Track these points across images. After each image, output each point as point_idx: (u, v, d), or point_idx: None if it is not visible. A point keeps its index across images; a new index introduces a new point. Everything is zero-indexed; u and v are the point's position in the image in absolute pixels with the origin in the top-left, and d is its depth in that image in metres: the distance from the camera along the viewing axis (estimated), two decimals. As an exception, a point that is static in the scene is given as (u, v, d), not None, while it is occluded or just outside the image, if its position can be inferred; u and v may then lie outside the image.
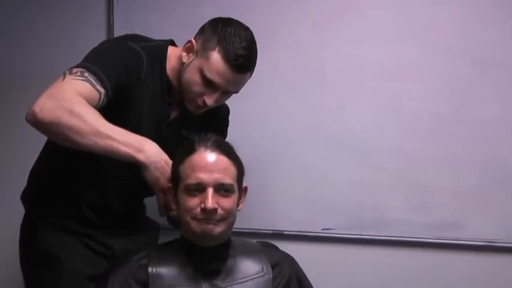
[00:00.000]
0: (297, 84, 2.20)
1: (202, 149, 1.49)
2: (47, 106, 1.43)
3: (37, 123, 1.44)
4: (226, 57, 1.59)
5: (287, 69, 2.20)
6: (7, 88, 2.36)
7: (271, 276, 1.54)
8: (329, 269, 2.17)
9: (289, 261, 1.63)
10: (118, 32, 2.20)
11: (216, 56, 1.59)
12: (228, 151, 1.52)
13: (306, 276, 1.65)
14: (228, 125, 1.95)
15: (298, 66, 2.20)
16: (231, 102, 1.84)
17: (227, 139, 1.78)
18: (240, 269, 1.53)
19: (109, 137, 1.45)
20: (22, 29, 2.40)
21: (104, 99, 1.52)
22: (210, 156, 1.48)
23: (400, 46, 2.14)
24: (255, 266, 1.54)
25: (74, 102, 1.44)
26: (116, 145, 1.46)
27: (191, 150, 1.50)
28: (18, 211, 1.77)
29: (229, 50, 1.58)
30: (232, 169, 1.51)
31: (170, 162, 1.54)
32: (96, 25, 2.31)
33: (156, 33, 1.79)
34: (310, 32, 2.19)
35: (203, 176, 1.46)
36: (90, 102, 1.48)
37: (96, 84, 1.50)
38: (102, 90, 1.51)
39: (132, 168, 1.52)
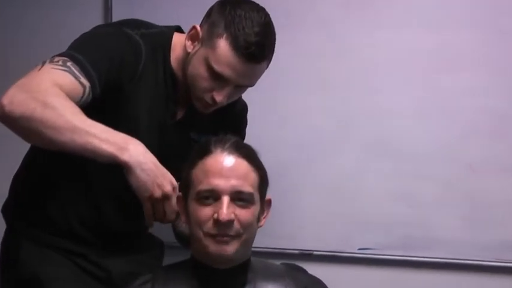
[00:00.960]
0: (327, 77, 2.14)
1: (218, 151, 1.43)
2: (17, 98, 1.37)
3: (5, 117, 1.38)
4: (235, 46, 1.53)
5: (315, 58, 2.15)
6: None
7: (297, 303, 1.50)
8: (366, 296, 2.10)
9: (319, 286, 1.57)
10: (117, 15, 2.18)
11: (223, 45, 1.54)
12: (249, 155, 1.46)
13: (338, 304, 1.60)
14: (246, 125, 1.89)
15: (328, 55, 2.14)
16: (248, 97, 1.79)
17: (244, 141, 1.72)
18: (261, 295, 1.50)
19: (88, 134, 1.39)
20: (3, 11, 2.37)
21: (89, 94, 1.46)
22: (227, 160, 1.42)
23: (454, 31, 2.09)
24: (278, 291, 1.53)
25: (49, 94, 1.39)
26: (96, 143, 1.39)
27: (205, 152, 1.44)
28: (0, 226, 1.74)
29: (238, 36, 1.52)
30: (253, 176, 1.44)
31: (160, 166, 1.47)
32: (92, 6, 2.28)
33: (162, 17, 1.75)
34: (342, 13, 2.14)
35: (218, 182, 1.40)
36: (71, 96, 1.42)
37: (80, 77, 1.45)
38: (87, 84, 1.46)
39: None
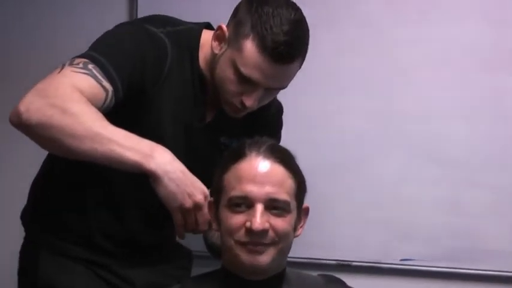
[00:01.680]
0: (369, 76, 2.14)
1: (253, 154, 1.42)
2: (34, 104, 1.36)
3: (22, 125, 1.37)
4: (262, 46, 1.49)
5: (354, 55, 2.14)
6: (6, 83, 2.32)
7: (335, 319, 1.50)
8: (409, 309, 2.09)
9: (359, 300, 1.57)
10: (142, 10, 2.19)
11: (250, 46, 1.50)
12: (285, 159, 1.44)
13: (379, 319, 1.57)
14: (281, 127, 1.87)
15: (371, 52, 2.13)
16: (283, 98, 1.78)
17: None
18: (296, 310, 1.47)
19: (110, 141, 1.38)
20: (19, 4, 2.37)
21: (111, 99, 1.45)
22: (262, 165, 1.41)
23: (508, 26, 2.07)
24: (315, 306, 1.50)
25: (69, 99, 1.37)
26: (119, 151, 1.38)
27: (239, 155, 1.43)
28: (19, 233, 1.73)
29: (265, 36, 1.49)
30: (290, 182, 1.42)
31: (189, 174, 1.46)
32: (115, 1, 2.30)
33: (191, 12, 1.76)
34: (387, 8, 2.14)
35: (251, 189, 1.38)
36: (93, 102, 1.40)
37: (103, 80, 1.43)
38: (110, 88, 1.44)
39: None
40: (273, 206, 1.39)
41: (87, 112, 1.38)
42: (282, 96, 1.74)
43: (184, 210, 1.46)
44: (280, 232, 1.39)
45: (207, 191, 1.46)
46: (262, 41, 1.49)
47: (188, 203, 1.44)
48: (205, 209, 1.47)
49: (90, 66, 1.43)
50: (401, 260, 2.14)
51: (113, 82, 1.44)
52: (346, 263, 2.16)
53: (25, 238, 1.73)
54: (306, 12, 1.57)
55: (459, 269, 2.11)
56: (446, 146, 2.10)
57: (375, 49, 2.13)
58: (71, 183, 1.64)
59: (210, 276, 1.51)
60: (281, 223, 1.40)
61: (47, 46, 2.31)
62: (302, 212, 1.48)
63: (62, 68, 1.43)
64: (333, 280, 1.59)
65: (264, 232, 1.37)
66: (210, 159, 1.51)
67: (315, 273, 1.60)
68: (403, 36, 2.11)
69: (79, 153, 1.39)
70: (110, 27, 1.61)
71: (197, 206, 1.45)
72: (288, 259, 1.49)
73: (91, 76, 1.42)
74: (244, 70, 1.52)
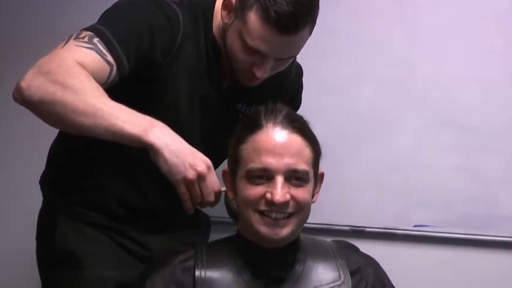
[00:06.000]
0: (385, 41, 2.13)
1: (270, 125, 1.42)
2: (36, 81, 1.37)
3: (25, 102, 1.38)
4: (266, 18, 1.48)
5: (373, 19, 2.13)
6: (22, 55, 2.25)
7: (350, 285, 1.49)
8: (423, 276, 2.13)
9: (373, 266, 1.58)
10: None
11: (253, 17, 1.49)
12: (302, 128, 1.45)
13: (393, 285, 1.60)
14: (301, 89, 1.87)
15: (387, 16, 2.13)
16: (299, 62, 1.77)
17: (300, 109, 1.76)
18: (310, 276, 1.48)
19: (111, 116, 1.38)
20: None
21: (116, 74, 1.46)
22: (280, 136, 1.42)
23: None
24: (329, 272, 1.50)
25: (71, 75, 1.38)
26: (120, 125, 1.38)
27: (256, 126, 1.43)
28: (38, 198, 1.74)
29: (268, 7, 1.47)
30: (307, 151, 1.44)
31: (188, 146, 1.45)
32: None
33: None
34: None
35: (271, 161, 1.39)
36: (96, 77, 1.41)
37: (107, 55, 1.44)
38: (114, 63, 1.44)
39: None
40: (293, 176, 1.41)
41: (88, 88, 1.39)
42: (301, 61, 1.77)
43: (188, 182, 1.45)
44: (301, 202, 1.42)
45: (209, 161, 1.46)
46: (265, 12, 1.47)
47: (191, 174, 1.43)
48: (210, 180, 1.46)
49: (95, 40, 1.44)
50: (415, 226, 2.14)
51: (117, 56, 1.45)
52: (359, 229, 2.16)
53: (43, 202, 1.74)
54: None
55: (473, 235, 2.10)
56: (462, 112, 2.09)
57: (392, 14, 2.12)
58: (86, 152, 1.65)
59: (225, 242, 1.55)
60: (302, 193, 1.42)
61: (56, 18, 2.30)
62: (318, 178, 1.50)
63: (67, 42, 1.44)
64: (347, 246, 1.63)
65: (285, 204, 1.39)
66: (227, 127, 1.51)
67: (328, 239, 1.63)
68: (422, 1, 2.11)
69: (82, 129, 1.40)
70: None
71: (200, 177, 1.44)
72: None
73: (95, 51, 1.43)
74: (250, 42, 1.52)
